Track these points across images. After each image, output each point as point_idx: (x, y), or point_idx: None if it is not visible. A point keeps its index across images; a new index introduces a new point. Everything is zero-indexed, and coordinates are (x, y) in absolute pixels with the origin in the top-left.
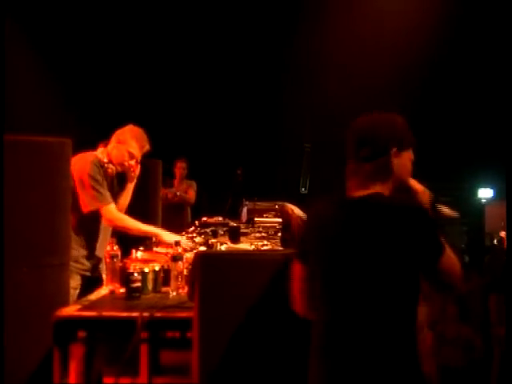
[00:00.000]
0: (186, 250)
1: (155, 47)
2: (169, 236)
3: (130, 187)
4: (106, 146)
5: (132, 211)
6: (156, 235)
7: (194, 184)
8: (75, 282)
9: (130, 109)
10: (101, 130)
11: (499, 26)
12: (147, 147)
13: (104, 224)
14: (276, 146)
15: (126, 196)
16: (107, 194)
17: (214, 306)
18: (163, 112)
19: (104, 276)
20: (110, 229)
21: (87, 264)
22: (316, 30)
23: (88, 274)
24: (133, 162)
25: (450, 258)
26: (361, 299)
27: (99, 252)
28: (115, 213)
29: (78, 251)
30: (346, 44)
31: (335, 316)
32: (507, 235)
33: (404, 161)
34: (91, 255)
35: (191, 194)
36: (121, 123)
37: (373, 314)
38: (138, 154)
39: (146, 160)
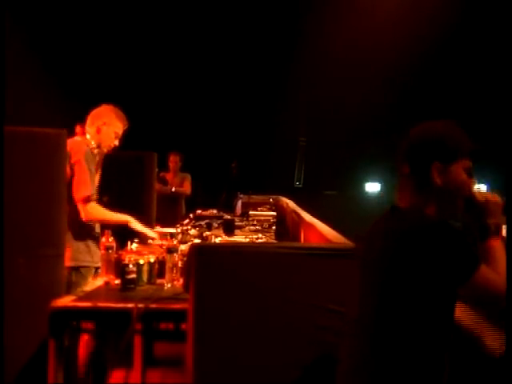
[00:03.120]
0: (153, 239)
1: (152, 41)
2: (138, 225)
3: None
4: (83, 127)
5: (127, 204)
6: (126, 222)
7: (188, 176)
8: (91, 277)
9: (125, 102)
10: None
11: (491, 23)
12: (127, 124)
13: (85, 219)
14: (271, 139)
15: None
16: (94, 189)
17: (208, 297)
18: (159, 105)
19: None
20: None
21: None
22: (313, 28)
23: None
24: (117, 142)
25: (487, 272)
26: (370, 308)
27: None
28: (95, 208)
29: (89, 244)
30: (343, 40)
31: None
32: (507, 234)
33: (455, 174)
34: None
35: (187, 186)
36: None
37: (385, 329)
38: (121, 132)
39: (141, 152)
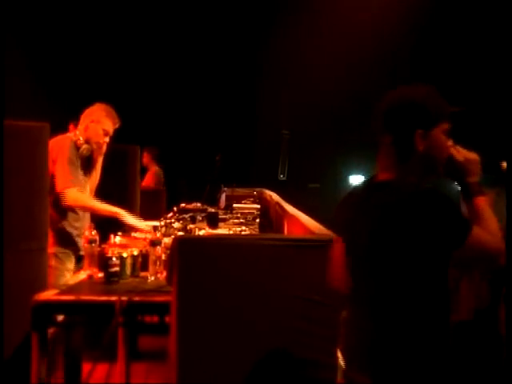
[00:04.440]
0: (146, 232)
1: (135, 37)
2: (129, 217)
3: (99, 166)
4: (76, 126)
5: (110, 197)
6: (116, 214)
7: (154, 170)
8: (71, 264)
9: (108, 95)
10: (76, 114)
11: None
12: (118, 123)
13: (66, 205)
14: (254, 132)
15: (96, 175)
16: (77, 177)
17: (192, 290)
18: (142, 99)
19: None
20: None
21: (80, 243)
22: (294, 18)
23: (82, 253)
24: (107, 139)
25: (478, 234)
26: (372, 284)
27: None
28: (78, 193)
29: (70, 232)
30: (325, 31)
31: (354, 294)
32: (507, 233)
33: (436, 139)
34: (81, 234)
35: (146, 181)
36: None
37: (386, 301)
38: (111, 131)
39: (125, 146)
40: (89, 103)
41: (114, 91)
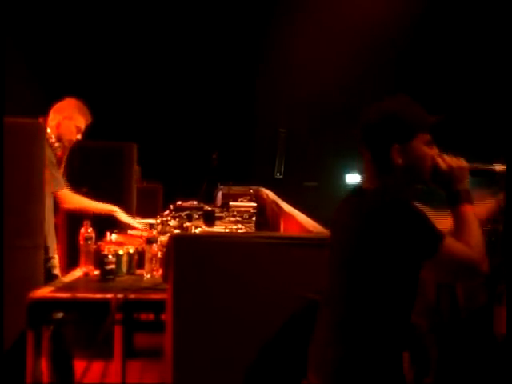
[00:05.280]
0: (139, 230)
1: (135, 34)
2: (123, 215)
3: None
4: (45, 120)
5: (106, 194)
6: (111, 212)
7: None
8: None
9: (105, 92)
10: None
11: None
12: (90, 119)
13: (61, 207)
14: (251, 130)
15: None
16: (61, 178)
17: (187, 287)
18: (139, 96)
19: (56, 271)
20: (53, 217)
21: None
22: (292, 17)
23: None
24: (79, 137)
25: (451, 244)
26: (339, 289)
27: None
28: (71, 195)
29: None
30: (324, 29)
31: (325, 295)
32: (506, 233)
33: (415, 150)
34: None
35: None
36: (93, 106)
37: (346, 303)
38: (83, 127)
39: (121, 143)
40: (86, 101)
41: (111, 88)
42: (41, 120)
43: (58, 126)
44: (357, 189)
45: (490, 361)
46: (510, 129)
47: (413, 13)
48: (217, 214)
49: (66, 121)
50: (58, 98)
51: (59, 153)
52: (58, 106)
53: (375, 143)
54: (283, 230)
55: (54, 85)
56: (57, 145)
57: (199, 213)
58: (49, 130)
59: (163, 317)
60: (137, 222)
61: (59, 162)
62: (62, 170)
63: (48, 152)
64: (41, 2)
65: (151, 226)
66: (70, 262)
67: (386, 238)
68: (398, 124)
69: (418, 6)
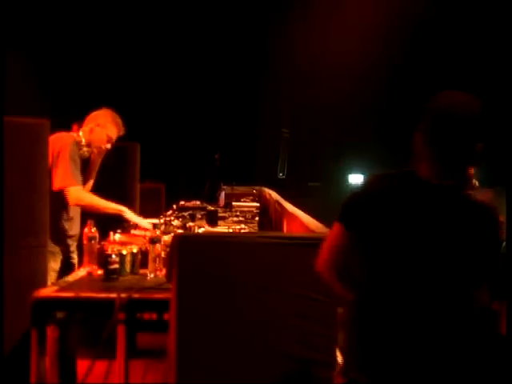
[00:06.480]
0: (145, 230)
1: (138, 35)
2: (132, 215)
3: (95, 170)
4: (80, 127)
5: (110, 194)
6: (120, 212)
7: None
8: (56, 264)
9: (109, 92)
10: (75, 112)
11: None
12: (123, 131)
13: (71, 203)
14: (254, 130)
15: (92, 178)
16: (79, 176)
17: (191, 287)
18: (143, 96)
19: (74, 258)
20: (79, 208)
21: (72, 245)
22: (295, 20)
23: (68, 255)
24: (109, 146)
25: None
26: (417, 285)
27: (74, 232)
28: (81, 192)
29: (63, 231)
30: (327, 30)
31: (381, 294)
32: (507, 233)
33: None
34: (72, 236)
35: None
36: (97, 106)
37: (428, 302)
38: (115, 137)
39: (124, 143)
40: (90, 101)
41: (115, 87)
42: (75, 125)
43: (90, 132)
44: (424, 184)
45: (495, 360)
46: (510, 129)
47: (414, 17)
48: (220, 214)
49: (99, 128)
50: (59, 97)
51: (85, 156)
52: (94, 113)
53: (472, 141)
54: (286, 229)
55: (55, 84)
56: (85, 149)
57: (202, 213)
58: (81, 133)
59: (166, 316)
60: (147, 222)
61: (84, 165)
62: (92, 175)
63: (74, 150)
64: (41, 1)
65: (154, 225)
66: None
67: (478, 238)
68: (489, 125)
69: (417, 7)
